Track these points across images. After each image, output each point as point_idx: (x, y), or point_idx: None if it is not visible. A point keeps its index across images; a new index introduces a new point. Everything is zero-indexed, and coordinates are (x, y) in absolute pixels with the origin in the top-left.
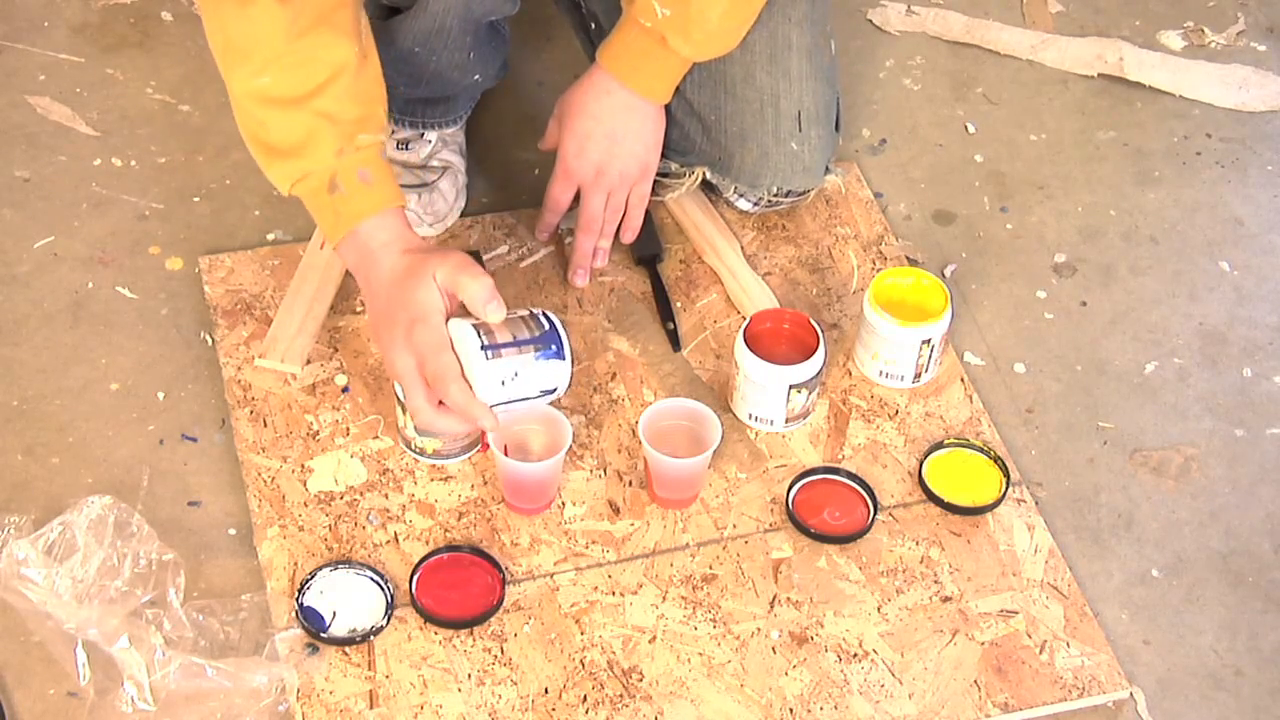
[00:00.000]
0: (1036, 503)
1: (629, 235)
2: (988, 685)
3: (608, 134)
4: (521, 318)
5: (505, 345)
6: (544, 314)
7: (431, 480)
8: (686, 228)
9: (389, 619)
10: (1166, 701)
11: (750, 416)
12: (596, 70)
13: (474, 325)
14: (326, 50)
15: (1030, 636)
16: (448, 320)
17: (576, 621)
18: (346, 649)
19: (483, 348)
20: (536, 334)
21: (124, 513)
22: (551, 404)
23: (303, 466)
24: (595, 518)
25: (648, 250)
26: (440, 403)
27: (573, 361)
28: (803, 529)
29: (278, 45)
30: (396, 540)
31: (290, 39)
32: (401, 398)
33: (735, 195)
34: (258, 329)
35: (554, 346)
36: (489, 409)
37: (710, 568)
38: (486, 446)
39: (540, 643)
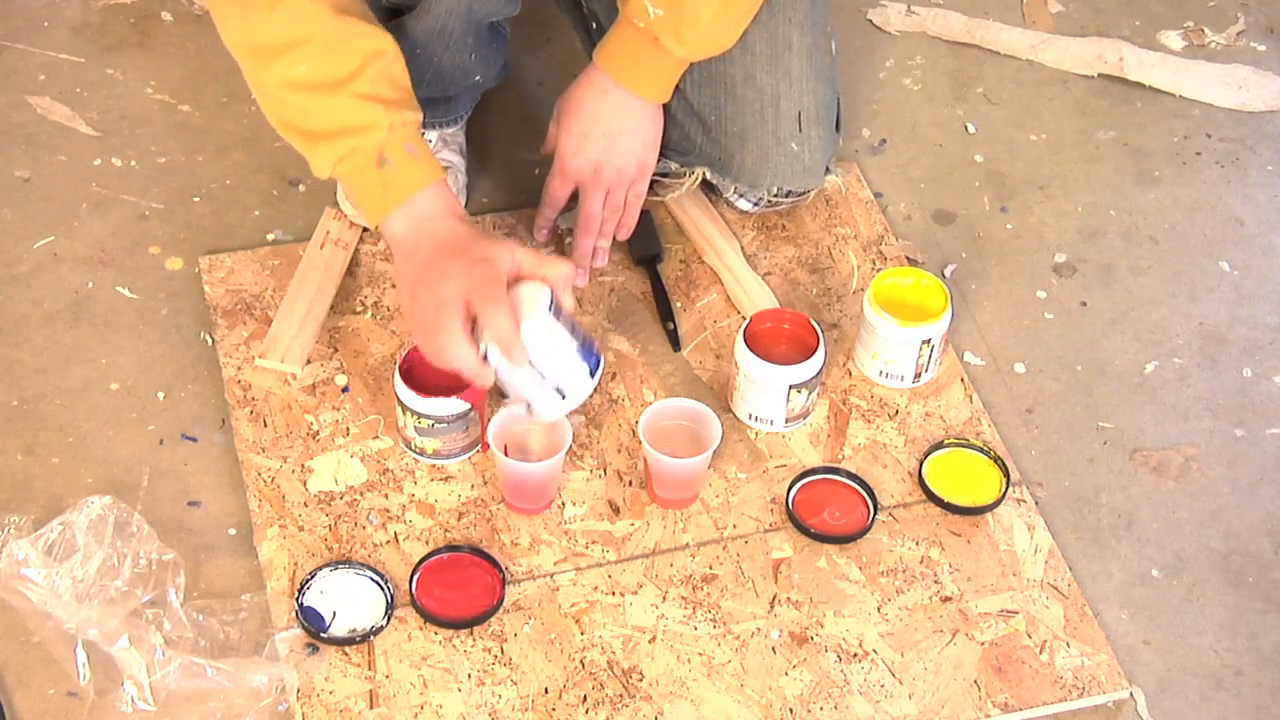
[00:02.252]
0: (1036, 503)
1: (624, 233)
2: (988, 685)
3: (605, 133)
4: (582, 329)
5: (566, 325)
6: (596, 344)
7: (431, 480)
8: (686, 228)
9: (389, 619)
10: (1166, 701)
11: (750, 416)
12: (593, 70)
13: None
14: (361, 39)
15: (1030, 636)
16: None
17: (576, 621)
18: (346, 649)
19: (552, 305)
20: (586, 344)
21: (124, 513)
22: (553, 419)
23: (303, 466)
24: (595, 518)
25: (648, 250)
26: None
27: (594, 391)
28: (803, 529)
29: (315, 37)
30: (396, 540)
31: (326, 29)
32: (402, 396)
33: (735, 195)
34: (258, 329)
35: (592, 362)
36: (524, 349)
37: (710, 568)
38: (487, 446)
39: (540, 643)
